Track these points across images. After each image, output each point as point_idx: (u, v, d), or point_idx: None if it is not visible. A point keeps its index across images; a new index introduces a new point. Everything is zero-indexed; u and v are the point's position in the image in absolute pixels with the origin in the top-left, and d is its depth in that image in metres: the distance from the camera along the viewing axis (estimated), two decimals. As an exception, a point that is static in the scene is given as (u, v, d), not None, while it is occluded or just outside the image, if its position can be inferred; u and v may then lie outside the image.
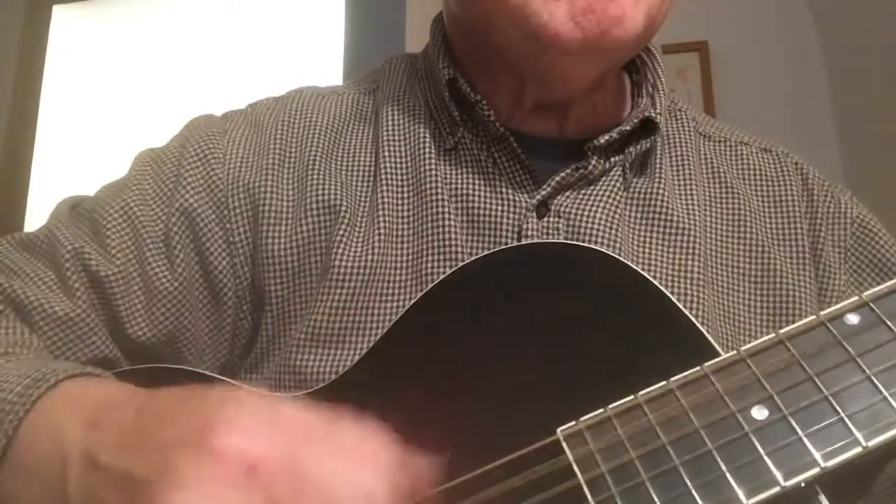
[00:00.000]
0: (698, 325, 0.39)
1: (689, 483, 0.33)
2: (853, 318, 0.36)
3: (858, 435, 0.32)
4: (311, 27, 2.41)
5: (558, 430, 0.37)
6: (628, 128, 0.53)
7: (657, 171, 0.55)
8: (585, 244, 0.50)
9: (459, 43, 0.58)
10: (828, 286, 0.54)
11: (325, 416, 0.32)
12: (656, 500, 0.33)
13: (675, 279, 0.51)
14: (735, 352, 0.37)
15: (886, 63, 1.34)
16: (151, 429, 0.32)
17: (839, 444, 0.33)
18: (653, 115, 0.54)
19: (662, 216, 0.53)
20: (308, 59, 2.52)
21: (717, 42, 1.58)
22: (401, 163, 0.55)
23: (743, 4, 1.60)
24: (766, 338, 0.37)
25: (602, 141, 0.53)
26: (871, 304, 0.36)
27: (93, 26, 2.26)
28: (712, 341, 0.38)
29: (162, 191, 0.55)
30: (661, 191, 0.54)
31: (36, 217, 1.96)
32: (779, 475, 0.32)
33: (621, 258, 0.43)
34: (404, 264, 0.51)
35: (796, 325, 0.37)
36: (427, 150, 0.54)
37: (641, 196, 0.54)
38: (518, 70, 0.53)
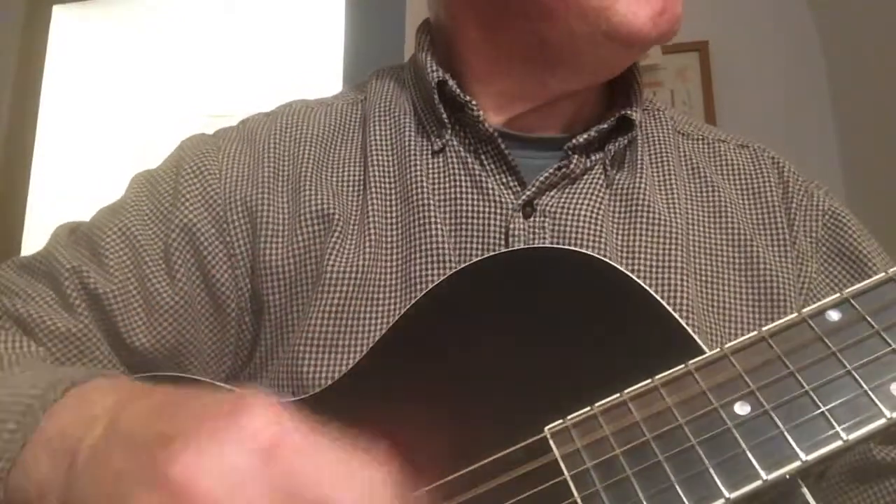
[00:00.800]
0: (684, 324, 0.40)
1: (672, 477, 0.34)
2: (834, 315, 0.36)
3: (839, 428, 0.33)
4: (311, 28, 2.41)
5: (546, 428, 0.37)
6: (605, 125, 0.55)
7: (638, 167, 0.56)
8: (572, 247, 0.50)
9: (461, 43, 0.58)
10: (801, 272, 0.56)
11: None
12: (640, 494, 0.34)
13: (660, 270, 0.51)
14: (718, 349, 0.37)
15: (886, 63, 1.33)
16: (178, 405, 0.32)
17: (820, 438, 0.33)
18: (629, 112, 0.55)
19: (645, 210, 0.54)
20: (308, 60, 2.52)
21: (717, 42, 1.57)
22: (389, 169, 0.56)
23: (743, 4, 1.59)
24: (749, 335, 0.37)
25: (581, 140, 0.54)
26: (851, 301, 0.36)
27: (93, 26, 2.26)
28: (698, 340, 0.39)
29: (159, 209, 0.56)
30: (642, 185, 0.55)
31: (35, 218, 1.96)
32: (761, 469, 0.33)
33: (607, 259, 0.44)
34: (393, 269, 0.52)
35: (778, 322, 0.37)
36: (414, 154, 0.55)
37: (624, 192, 0.55)
38: (550, 64, 0.54)
